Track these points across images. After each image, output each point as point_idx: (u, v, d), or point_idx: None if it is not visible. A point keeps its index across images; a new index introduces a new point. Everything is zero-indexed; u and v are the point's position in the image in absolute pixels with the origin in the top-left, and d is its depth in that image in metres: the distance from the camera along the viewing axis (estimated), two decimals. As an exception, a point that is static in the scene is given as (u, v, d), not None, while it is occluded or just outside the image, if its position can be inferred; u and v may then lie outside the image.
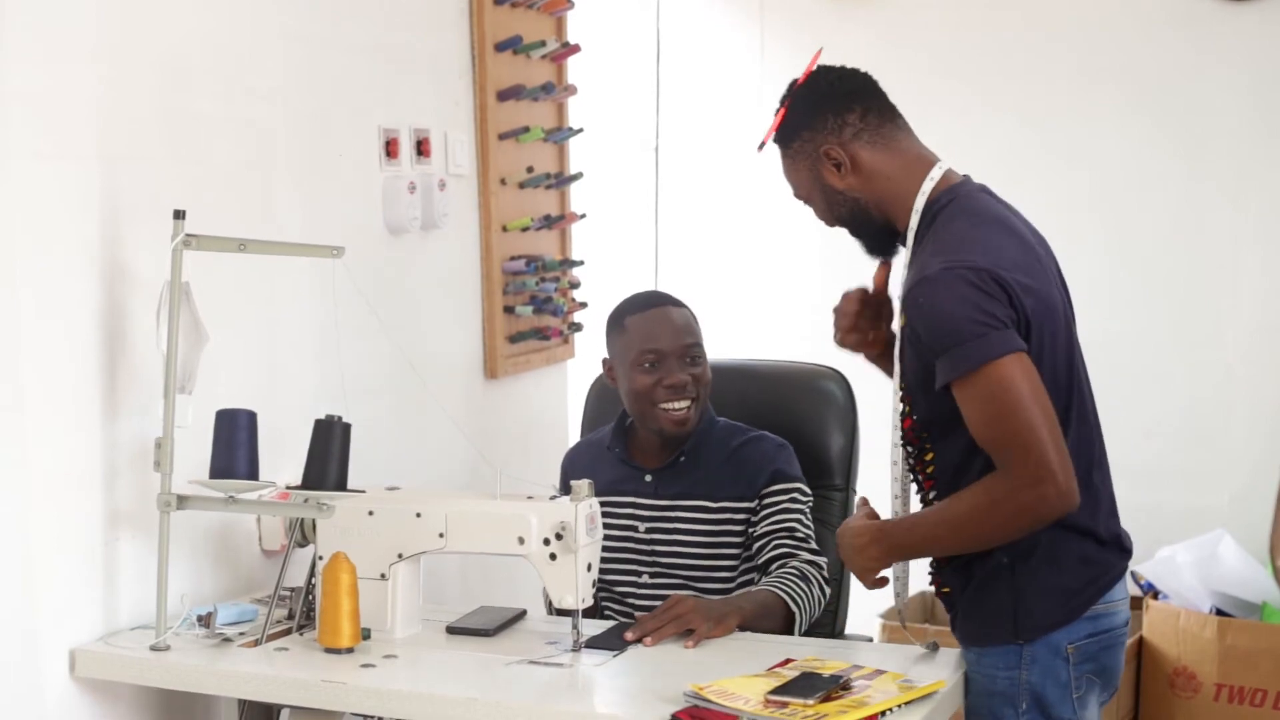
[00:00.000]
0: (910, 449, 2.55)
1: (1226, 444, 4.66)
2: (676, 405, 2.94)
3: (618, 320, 3.04)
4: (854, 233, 2.59)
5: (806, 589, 2.84)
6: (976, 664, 2.52)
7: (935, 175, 2.50)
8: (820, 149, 2.50)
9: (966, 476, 2.43)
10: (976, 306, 2.32)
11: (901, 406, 2.53)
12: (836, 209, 2.55)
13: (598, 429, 3.24)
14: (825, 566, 2.91)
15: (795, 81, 2.56)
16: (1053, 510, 2.33)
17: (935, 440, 2.51)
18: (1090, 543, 2.48)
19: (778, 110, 2.57)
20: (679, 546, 2.98)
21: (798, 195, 2.60)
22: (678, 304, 3.05)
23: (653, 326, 2.97)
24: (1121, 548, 2.54)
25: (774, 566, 2.90)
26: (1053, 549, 2.44)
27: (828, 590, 2.91)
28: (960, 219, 2.45)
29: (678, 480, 3.00)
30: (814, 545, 2.95)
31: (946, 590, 2.57)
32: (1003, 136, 4.88)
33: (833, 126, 2.49)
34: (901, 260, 2.54)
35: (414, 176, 3.44)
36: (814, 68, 2.56)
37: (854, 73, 2.57)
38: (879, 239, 2.57)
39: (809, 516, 2.99)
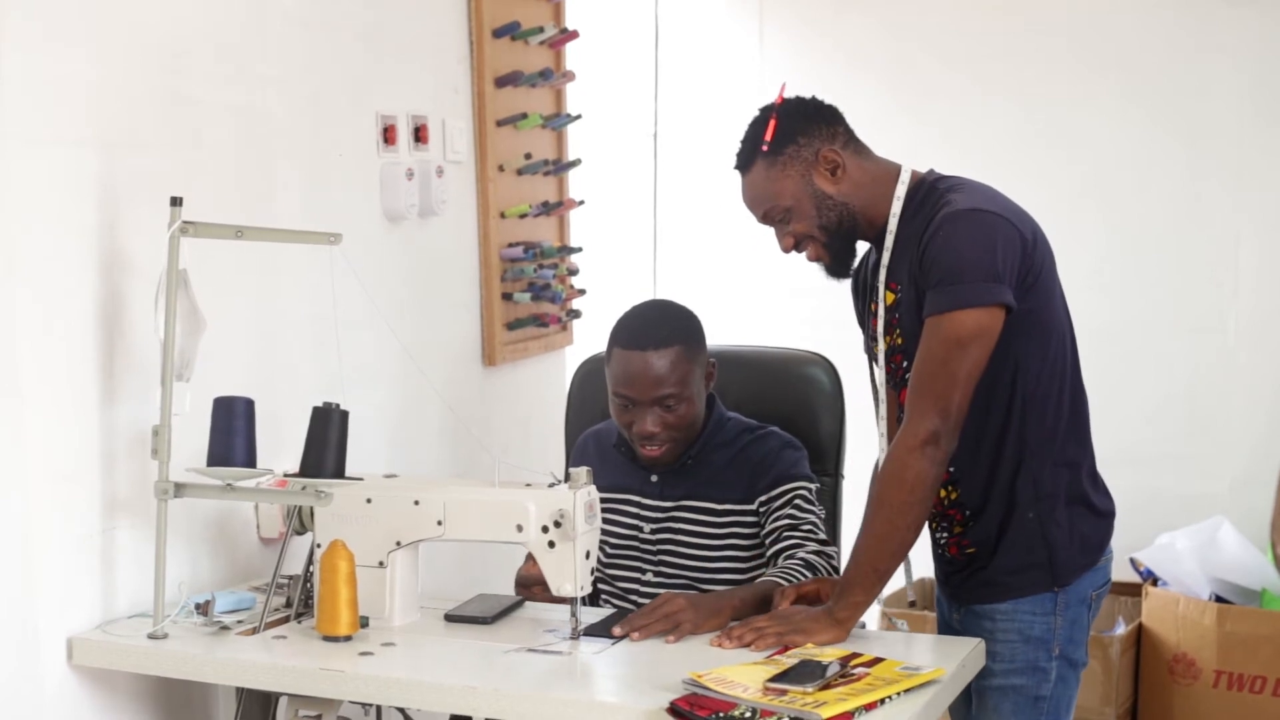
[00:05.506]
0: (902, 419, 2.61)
1: (1226, 430, 4.67)
2: (647, 445, 2.90)
3: (610, 341, 2.94)
4: (829, 246, 2.65)
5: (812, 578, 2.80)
6: (1010, 614, 2.61)
7: (908, 172, 2.63)
8: (819, 153, 2.60)
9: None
10: (990, 253, 2.45)
11: (886, 380, 2.68)
12: (825, 215, 2.61)
13: (609, 419, 3.07)
14: (836, 555, 2.87)
15: (770, 105, 2.65)
16: (940, 464, 2.48)
17: None
18: (1090, 486, 2.64)
19: (763, 122, 2.63)
20: (684, 548, 2.95)
21: (776, 208, 2.64)
22: (661, 345, 2.84)
23: (629, 372, 2.86)
24: (1108, 494, 2.70)
25: (781, 559, 2.84)
26: (1070, 501, 2.60)
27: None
28: (970, 182, 2.60)
29: (683, 482, 2.95)
30: (823, 536, 2.88)
31: (971, 550, 2.65)
32: (1001, 124, 4.87)
33: (827, 134, 2.61)
34: (881, 257, 2.63)
35: (412, 163, 3.43)
36: (785, 94, 2.66)
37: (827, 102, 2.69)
38: (848, 255, 2.67)
39: (819, 509, 2.93)
